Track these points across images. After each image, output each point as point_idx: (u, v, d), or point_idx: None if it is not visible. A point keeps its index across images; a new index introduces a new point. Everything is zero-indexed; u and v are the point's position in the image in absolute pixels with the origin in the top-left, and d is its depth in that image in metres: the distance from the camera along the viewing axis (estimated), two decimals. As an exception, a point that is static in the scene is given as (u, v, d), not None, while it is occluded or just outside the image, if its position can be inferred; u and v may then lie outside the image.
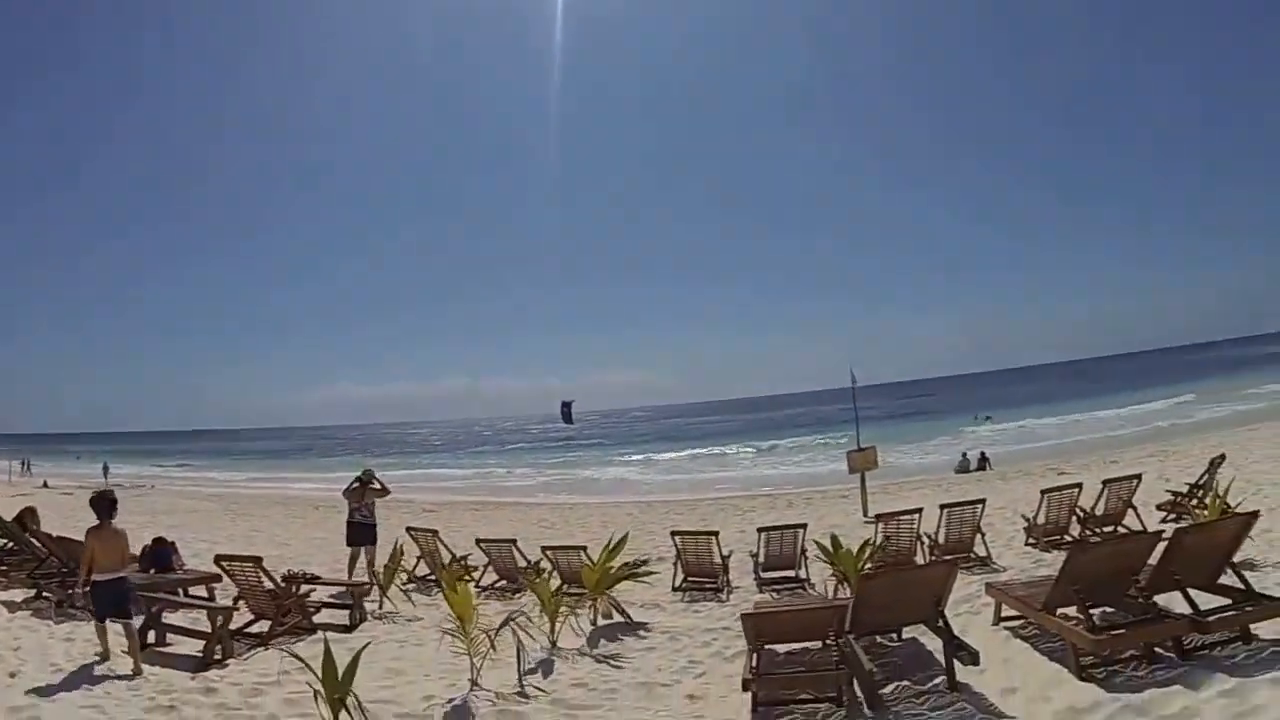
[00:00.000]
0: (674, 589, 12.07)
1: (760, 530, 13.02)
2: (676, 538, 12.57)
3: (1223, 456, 13.61)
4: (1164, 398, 53.39)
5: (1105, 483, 13.01)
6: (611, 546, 10.92)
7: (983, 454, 30.74)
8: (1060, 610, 7.34)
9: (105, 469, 53.93)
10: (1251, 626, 6.86)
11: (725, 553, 12.57)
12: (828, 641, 7.29)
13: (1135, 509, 12.93)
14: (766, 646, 7.49)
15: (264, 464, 69.59)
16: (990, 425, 53.43)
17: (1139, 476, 13.05)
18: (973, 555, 12.38)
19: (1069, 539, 12.76)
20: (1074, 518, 12.95)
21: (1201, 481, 13.29)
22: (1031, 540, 13.00)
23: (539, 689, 7.39)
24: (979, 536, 12.54)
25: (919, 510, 12.63)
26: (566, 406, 26.89)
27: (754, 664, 7.04)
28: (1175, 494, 13.55)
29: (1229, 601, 7.13)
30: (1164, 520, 13.06)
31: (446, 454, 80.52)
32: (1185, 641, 6.84)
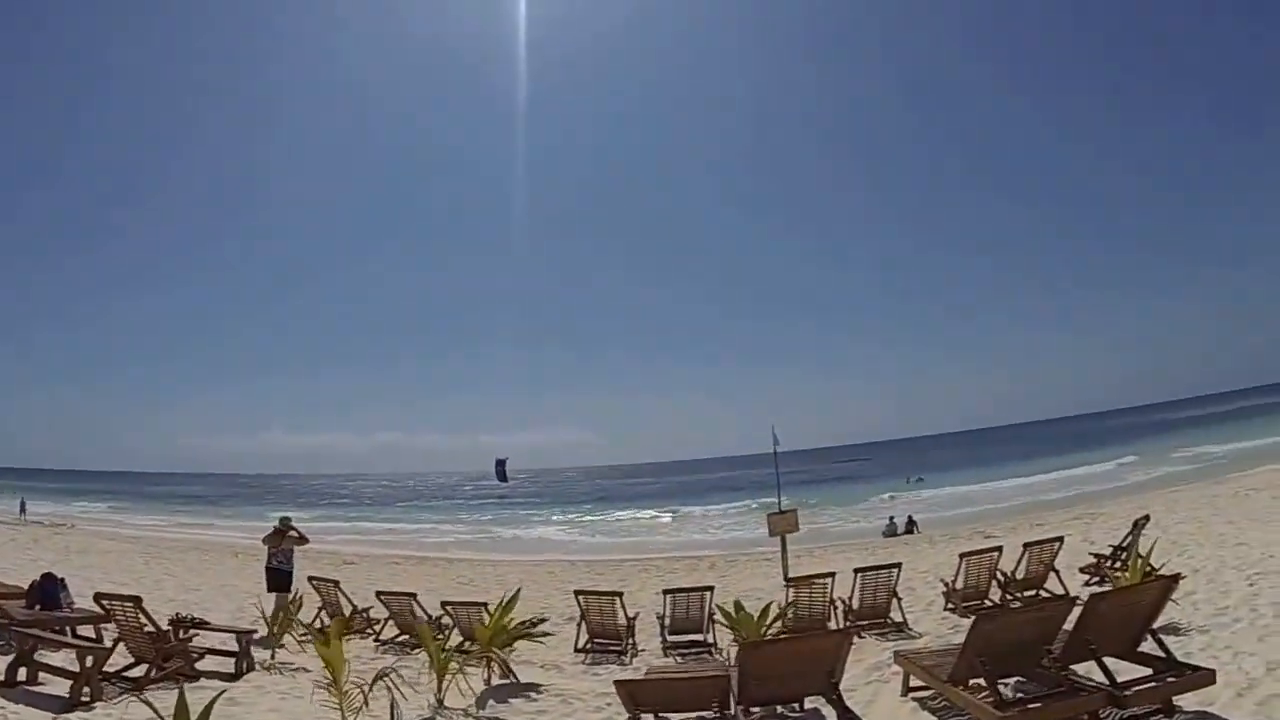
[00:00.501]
0: (576, 650, 11.69)
1: (665, 592, 12.38)
2: (580, 597, 12.08)
3: (1146, 518, 13.15)
4: (1097, 461, 53.71)
5: (1026, 546, 12.44)
6: (505, 603, 10.32)
7: (910, 518, 30.37)
8: (972, 681, 6.59)
9: (22, 506, 50.72)
10: (1174, 698, 6.22)
11: (631, 614, 12.07)
12: (712, 714, 6.50)
13: (1057, 572, 12.40)
14: (656, 715, 6.92)
15: (191, 508, 66.48)
16: (922, 488, 53.18)
17: (1060, 539, 12.53)
18: (889, 621, 11.81)
19: (989, 604, 12.09)
20: (994, 582, 12.30)
21: (1125, 543, 12.77)
22: (950, 605, 12.35)
23: (411, 751, 6.74)
24: (895, 601, 11.97)
25: (832, 574, 11.97)
26: (501, 464, 26.51)
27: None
28: (1098, 556, 13.08)
29: (1149, 671, 6.47)
30: (1086, 584, 12.68)
31: (375, 507, 77.69)
32: (1102, 715, 6.19)
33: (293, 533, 13.59)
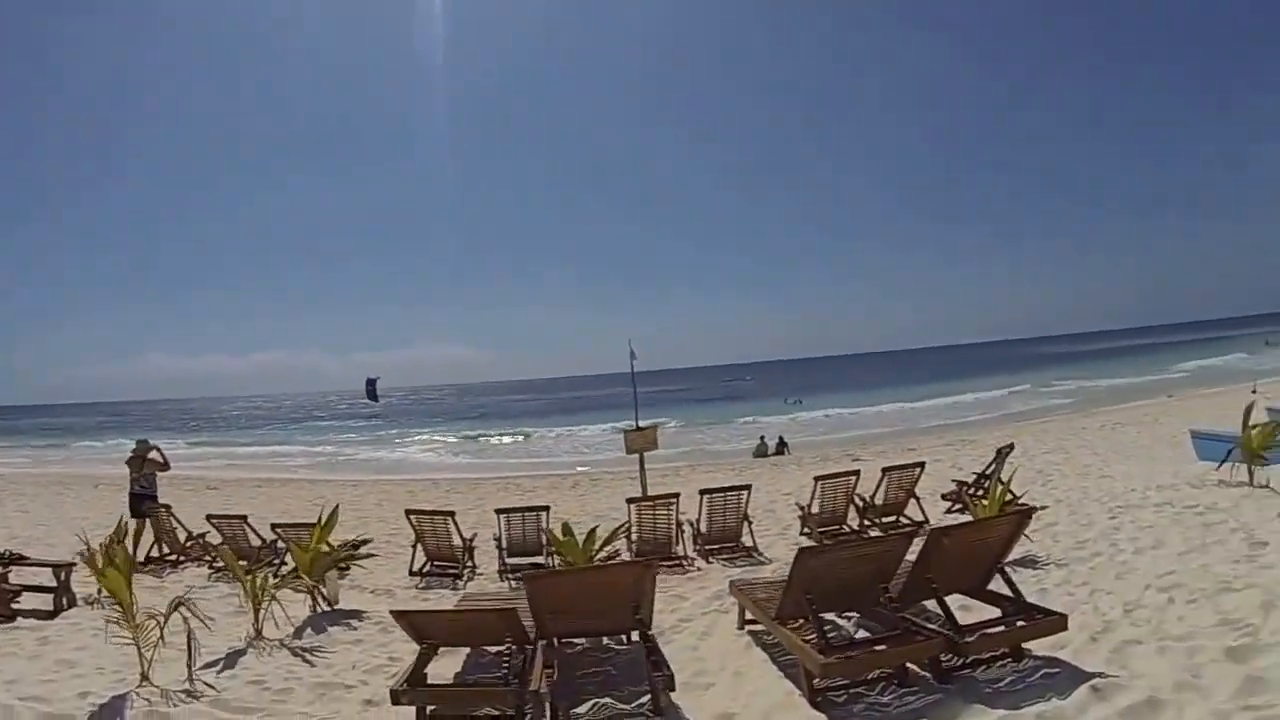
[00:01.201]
0: (410, 573, 10.97)
1: (499, 512, 11.31)
2: (413, 517, 11.17)
3: (1010, 446, 12.60)
4: (988, 389, 54.60)
5: (885, 470, 11.68)
6: (324, 523, 9.49)
7: (781, 438, 29.92)
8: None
9: None
10: (1024, 643, 5.34)
11: (469, 535, 11.21)
12: (505, 649, 5.46)
13: (918, 499, 11.68)
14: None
15: (58, 440, 62.08)
16: (799, 410, 53.33)
17: (921, 465, 11.85)
18: (739, 546, 10.98)
19: (846, 530, 11.35)
20: (852, 507, 11.55)
21: (989, 471, 12.15)
22: (806, 530, 11.54)
23: (210, 686, 6.25)
24: (746, 525, 11.07)
25: (676, 495, 10.93)
26: (371, 384, 24.80)
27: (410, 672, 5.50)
28: (960, 483, 12.46)
29: (998, 613, 5.57)
30: (949, 510, 12.13)
31: (247, 430, 74.45)
32: (944, 660, 5.32)
33: (154, 454, 13.02)
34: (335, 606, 9.00)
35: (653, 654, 5.63)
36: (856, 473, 11.53)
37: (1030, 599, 5.84)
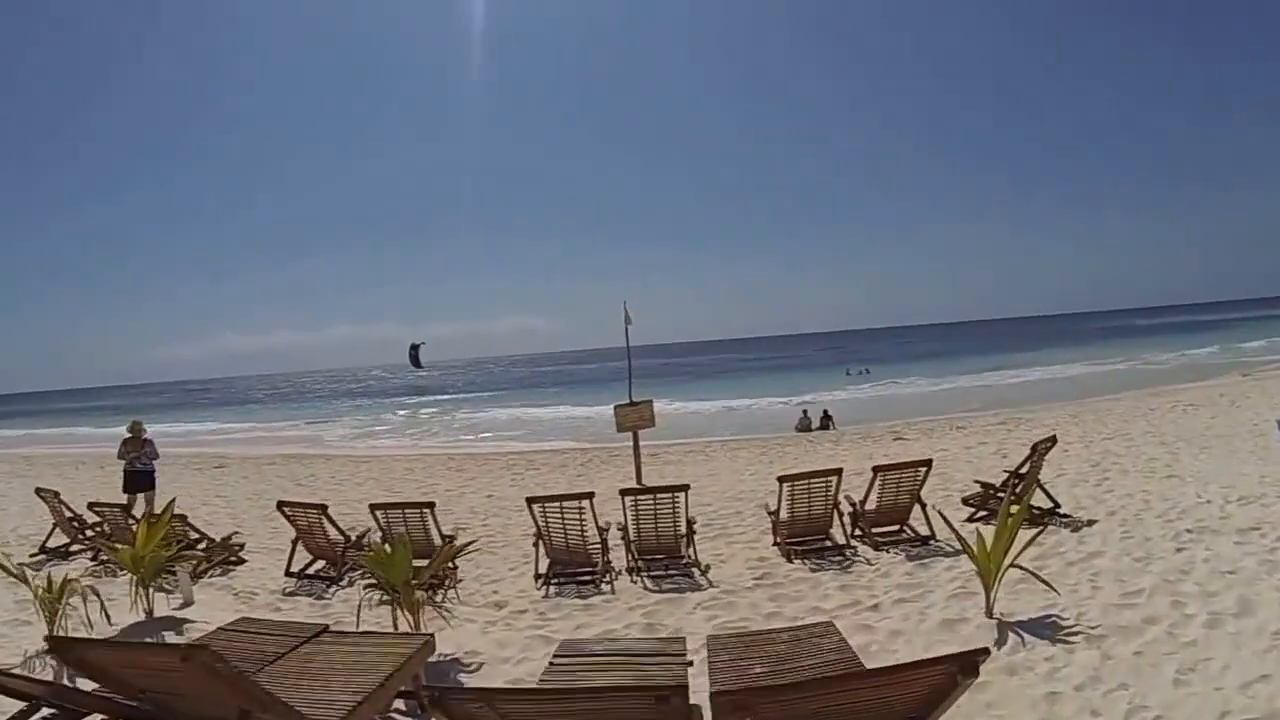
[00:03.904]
0: (287, 574, 9.19)
1: (374, 508, 9.33)
2: (286, 509, 9.43)
3: (1053, 439, 9.85)
4: (1055, 363, 50.63)
5: (877, 471, 9.03)
6: (160, 517, 8.13)
7: (825, 412, 27.20)
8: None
9: None
10: None
11: (350, 530, 9.45)
12: None
13: (923, 505, 9.04)
14: None
15: (107, 420, 61.59)
16: (865, 380, 49.98)
17: (928, 464, 9.15)
18: (686, 557, 8.74)
19: (828, 544, 8.82)
20: (836, 514, 9.01)
21: (1022, 470, 9.47)
22: (777, 541, 9.05)
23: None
24: (689, 537, 8.80)
25: (591, 495, 8.62)
26: (415, 350, 22.98)
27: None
28: (985, 485, 9.81)
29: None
30: (971, 518, 9.49)
31: (276, 405, 73.26)
32: None
33: (146, 435, 13.44)
34: (182, 607, 7.77)
35: None
36: (838, 471, 8.89)
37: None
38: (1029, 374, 45.00)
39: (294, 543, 9.31)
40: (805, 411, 27.51)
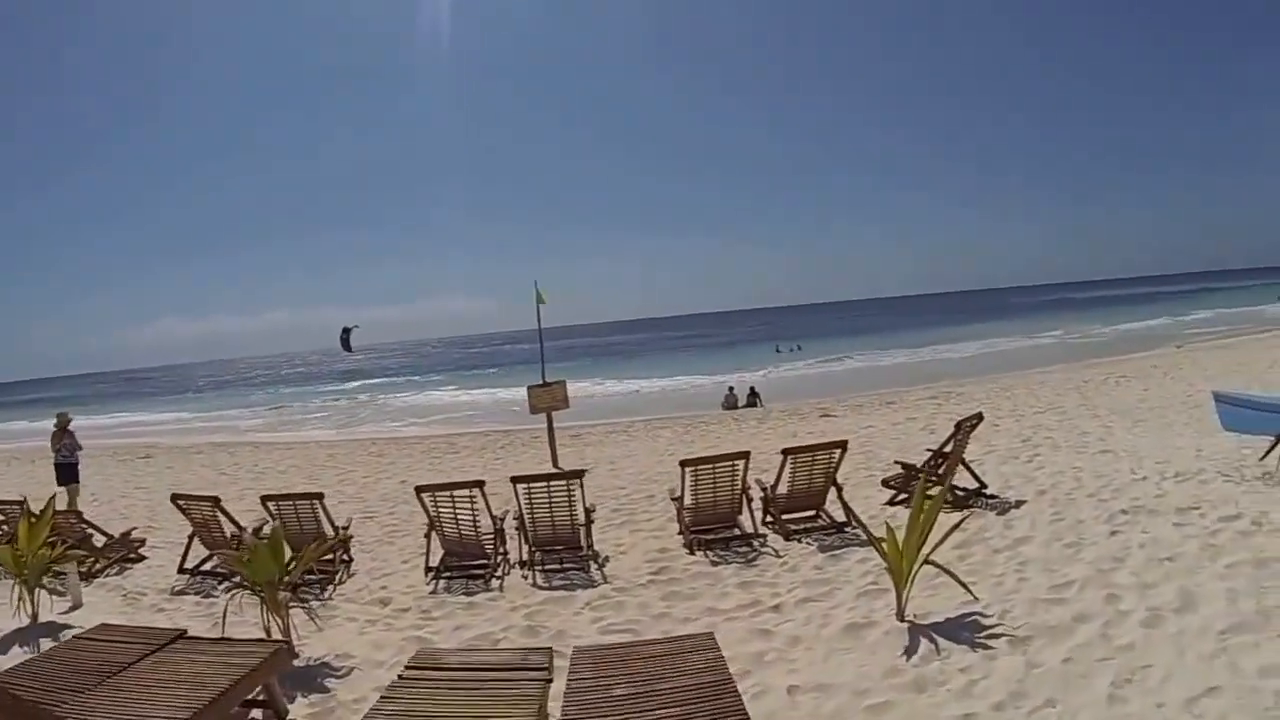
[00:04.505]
0: (181, 571, 8.54)
1: (265, 500, 8.56)
2: (182, 502, 8.74)
3: (979, 416, 9.08)
4: (989, 336, 50.63)
5: (786, 453, 8.21)
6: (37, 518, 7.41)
7: (752, 388, 26.49)
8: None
9: None
10: None
11: (244, 526, 8.58)
12: None
13: (839, 487, 8.24)
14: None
15: (44, 414, 58.48)
16: (797, 358, 49.41)
17: (843, 445, 8.30)
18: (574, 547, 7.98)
19: (736, 532, 8.00)
20: (745, 499, 8.18)
21: (946, 449, 8.73)
22: (681, 530, 8.17)
23: None
24: (586, 527, 7.97)
25: (480, 483, 7.65)
26: (346, 333, 21.97)
27: None
28: (906, 465, 9.05)
29: None
30: (891, 501, 8.70)
31: (217, 393, 70.36)
32: None
33: (71, 428, 13.53)
34: (70, 610, 7.30)
35: None
36: (745, 454, 8.05)
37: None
38: (964, 348, 44.73)
39: (190, 538, 8.62)
40: (731, 389, 26.79)
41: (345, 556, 8.48)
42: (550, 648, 4.88)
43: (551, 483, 7.74)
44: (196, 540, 8.54)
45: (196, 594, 7.85)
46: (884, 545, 5.47)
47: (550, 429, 14.96)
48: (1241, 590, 5.05)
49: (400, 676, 4.38)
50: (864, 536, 7.29)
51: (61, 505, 11.44)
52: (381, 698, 4.13)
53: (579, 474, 7.84)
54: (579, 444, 17.32)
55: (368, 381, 62.71)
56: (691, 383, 38.97)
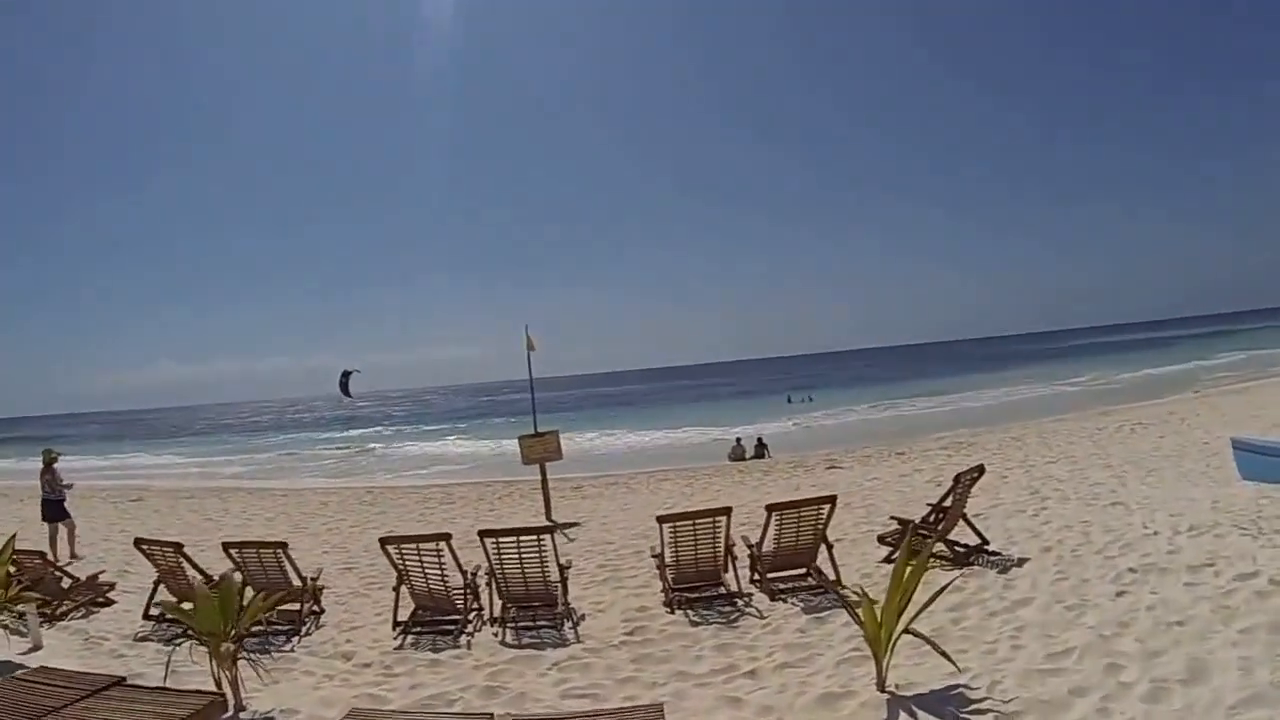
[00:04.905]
0: (146, 617, 8.24)
1: (227, 548, 8.26)
2: (144, 546, 8.51)
3: (981, 469, 8.63)
4: (1005, 384, 49.88)
5: (771, 510, 7.75)
6: None
7: (760, 439, 25.99)
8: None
9: None
10: None
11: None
12: None
13: (829, 547, 7.78)
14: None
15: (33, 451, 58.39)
16: (809, 409, 48.64)
17: (832, 500, 7.79)
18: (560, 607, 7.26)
19: (720, 591, 7.55)
20: (730, 559, 7.74)
21: (946, 503, 8.27)
22: (664, 588, 7.74)
23: None
24: (561, 583, 7.50)
25: (446, 535, 7.24)
26: (345, 377, 21.74)
27: None
28: (902, 521, 8.59)
29: None
30: (889, 558, 8.21)
31: (215, 438, 69.64)
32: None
33: (56, 466, 13.31)
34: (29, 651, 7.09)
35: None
36: (727, 510, 7.60)
37: None
38: (983, 397, 43.94)
39: (155, 584, 8.33)
40: (739, 440, 26.29)
41: (316, 608, 8.17)
42: (491, 714, 4.52)
43: (521, 537, 7.33)
44: (164, 587, 8.23)
45: (160, 641, 7.50)
46: (860, 611, 5.01)
47: (544, 480, 14.55)
48: (1256, 659, 4.57)
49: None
50: (854, 596, 6.88)
51: (63, 542, 12.64)
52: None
53: (549, 529, 7.50)
54: (577, 496, 16.91)
55: (369, 430, 62.23)
56: (704, 433, 38.34)
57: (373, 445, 48.11)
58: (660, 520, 7.60)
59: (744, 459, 24.36)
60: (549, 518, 13.88)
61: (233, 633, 5.56)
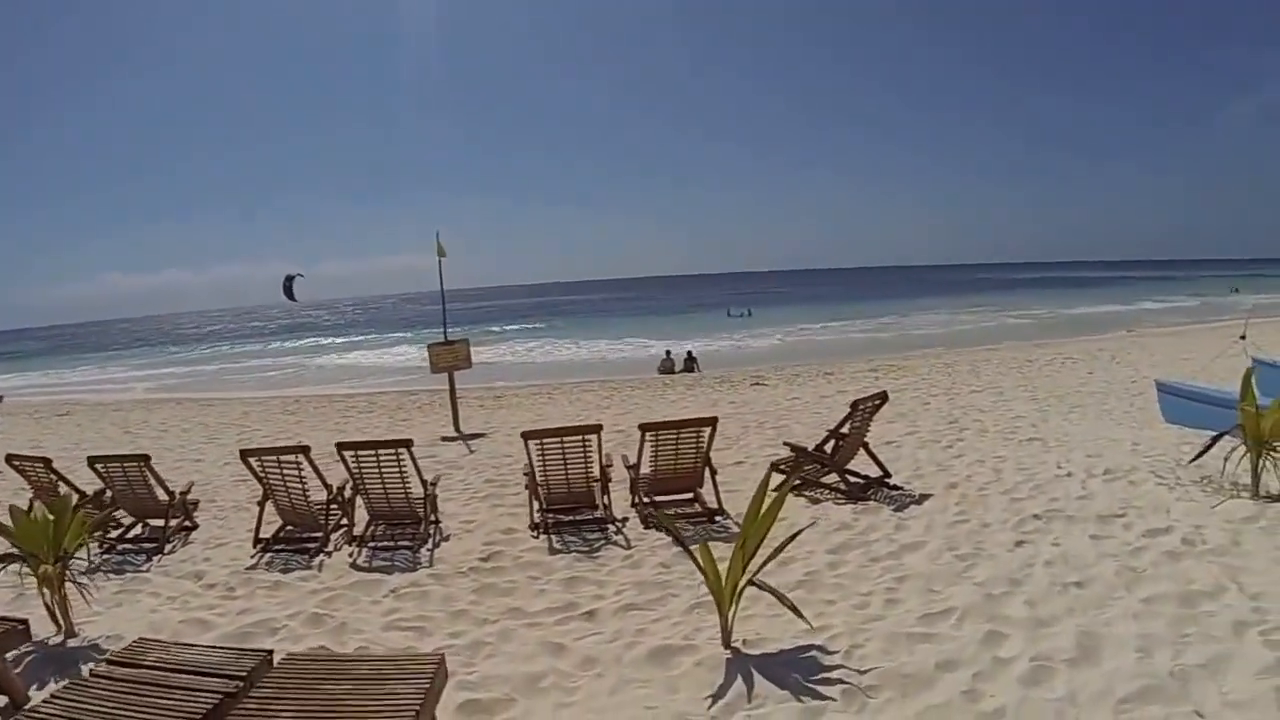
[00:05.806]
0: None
1: (93, 461, 7.47)
2: (15, 461, 7.91)
3: (883, 396, 7.89)
4: (949, 310, 49.79)
5: (645, 429, 6.93)
6: None
7: (690, 353, 25.34)
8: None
9: None
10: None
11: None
12: None
13: (713, 472, 7.03)
14: None
15: None
16: (747, 324, 48.07)
17: (712, 423, 6.93)
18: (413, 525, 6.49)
19: (593, 516, 6.81)
20: (603, 479, 6.98)
21: (845, 430, 7.55)
22: (537, 506, 6.97)
23: None
24: (427, 503, 6.99)
25: (408, 441, 6.62)
26: (290, 281, 20.51)
27: None
28: (797, 449, 7.91)
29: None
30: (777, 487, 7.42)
31: (160, 347, 67.34)
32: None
33: None
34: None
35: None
36: (597, 428, 6.81)
37: None
38: (929, 322, 43.68)
39: (31, 501, 7.53)
40: (669, 353, 25.73)
41: (188, 523, 7.56)
42: (271, 651, 3.86)
43: (380, 450, 6.50)
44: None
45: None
46: (698, 553, 4.26)
47: (452, 389, 13.72)
48: (1158, 638, 3.91)
49: (91, 673, 3.64)
50: (735, 528, 6.16)
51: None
52: (44, 700, 3.34)
53: (406, 443, 6.59)
54: (497, 405, 16.42)
55: (318, 339, 60.67)
56: (644, 346, 37.62)
57: (315, 354, 47.05)
58: (525, 436, 6.79)
59: (672, 372, 23.78)
60: (456, 427, 13.14)
61: (59, 552, 5.10)
